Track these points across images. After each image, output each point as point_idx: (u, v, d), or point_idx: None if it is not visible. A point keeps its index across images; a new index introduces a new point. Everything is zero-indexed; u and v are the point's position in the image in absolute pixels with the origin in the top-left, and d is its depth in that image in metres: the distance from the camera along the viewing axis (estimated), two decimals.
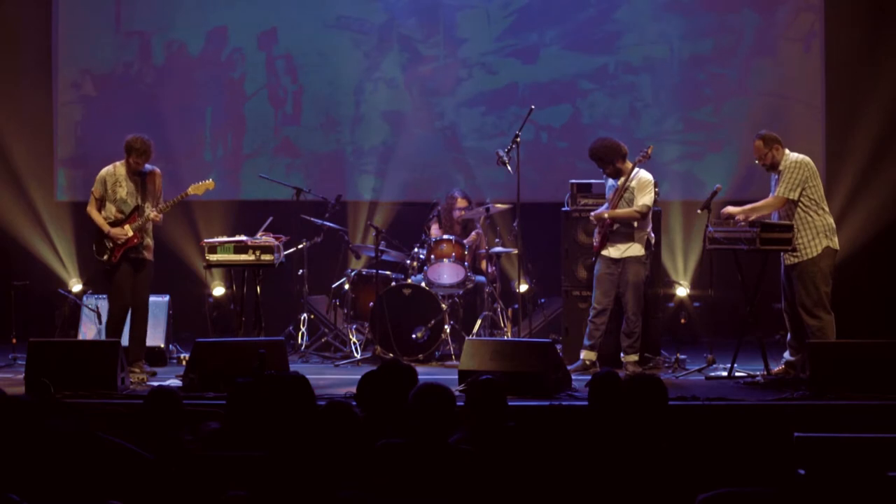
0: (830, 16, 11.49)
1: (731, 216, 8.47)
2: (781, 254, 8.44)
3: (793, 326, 8.50)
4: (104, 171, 8.94)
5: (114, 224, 8.84)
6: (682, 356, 9.27)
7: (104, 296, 9.41)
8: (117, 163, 8.92)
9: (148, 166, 8.91)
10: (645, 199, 8.83)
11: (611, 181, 9.08)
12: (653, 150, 8.96)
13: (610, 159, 8.95)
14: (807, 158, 8.40)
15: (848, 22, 11.46)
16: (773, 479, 4.20)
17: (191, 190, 9.01)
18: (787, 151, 8.42)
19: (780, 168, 8.38)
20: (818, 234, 8.30)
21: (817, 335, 8.20)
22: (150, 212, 8.80)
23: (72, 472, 4.24)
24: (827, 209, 8.40)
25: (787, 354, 8.57)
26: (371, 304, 9.89)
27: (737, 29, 11.64)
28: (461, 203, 10.40)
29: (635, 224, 8.91)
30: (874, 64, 11.39)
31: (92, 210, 8.94)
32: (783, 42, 11.61)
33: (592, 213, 9.05)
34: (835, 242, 8.36)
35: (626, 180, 8.87)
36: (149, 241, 8.92)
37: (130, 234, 8.79)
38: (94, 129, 11.78)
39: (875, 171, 11.20)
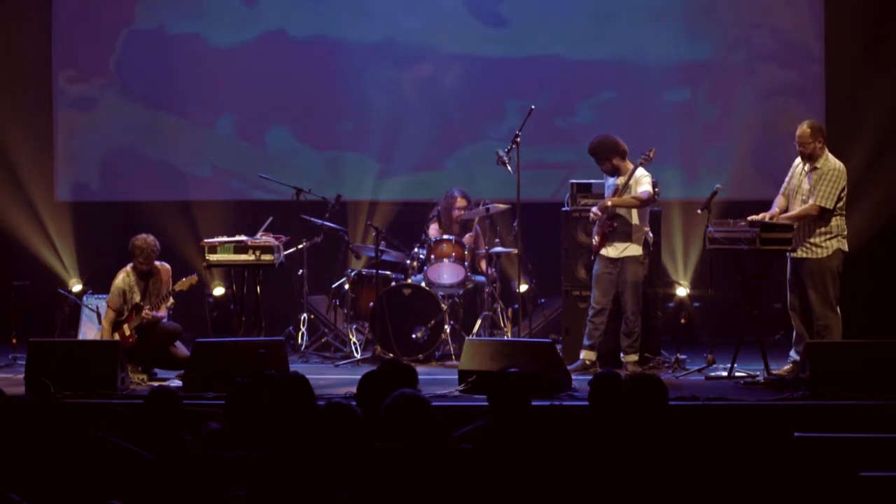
0: (831, 16, 11.48)
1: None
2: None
3: (798, 323, 8.48)
4: (120, 281, 8.86)
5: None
6: (682, 356, 9.25)
7: (104, 296, 9.39)
8: (127, 268, 8.89)
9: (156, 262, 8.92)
10: (643, 188, 8.83)
11: (610, 181, 9.08)
12: (654, 154, 8.92)
13: (606, 156, 8.97)
14: (843, 167, 8.36)
15: (848, 22, 11.46)
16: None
17: (177, 287, 8.88)
18: (827, 152, 8.39)
19: (819, 167, 8.31)
20: (833, 236, 8.30)
21: (823, 334, 8.20)
22: (146, 311, 8.76)
23: (72, 472, 4.25)
24: (845, 212, 8.39)
25: (793, 353, 8.50)
26: (371, 304, 9.88)
27: (738, 31, 11.63)
28: (460, 202, 10.38)
29: (635, 217, 8.90)
30: (874, 65, 11.38)
31: (107, 326, 8.83)
32: (783, 44, 11.60)
33: (593, 209, 9.02)
34: (845, 245, 8.36)
35: (626, 179, 8.87)
36: (159, 314, 8.86)
37: (127, 333, 8.78)
38: (95, 130, 11.76)
39: (875, 172, 11.18)
